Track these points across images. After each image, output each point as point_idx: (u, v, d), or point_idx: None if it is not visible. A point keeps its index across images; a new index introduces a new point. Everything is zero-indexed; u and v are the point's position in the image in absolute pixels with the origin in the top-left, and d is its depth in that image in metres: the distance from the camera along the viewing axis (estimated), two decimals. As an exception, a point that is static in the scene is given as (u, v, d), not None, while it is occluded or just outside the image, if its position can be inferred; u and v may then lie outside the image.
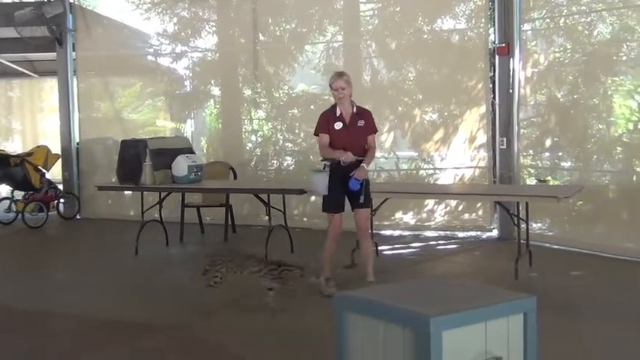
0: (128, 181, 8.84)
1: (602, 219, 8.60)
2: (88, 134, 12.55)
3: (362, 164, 6.57)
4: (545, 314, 3.66)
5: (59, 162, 12.27)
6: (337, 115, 6.71)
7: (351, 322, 3.48)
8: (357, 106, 6.79)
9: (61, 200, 12.17)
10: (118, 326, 5.99)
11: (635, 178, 8.49)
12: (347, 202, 6.80)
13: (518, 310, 3.35)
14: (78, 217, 12.26)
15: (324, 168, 6.68)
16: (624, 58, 8.58)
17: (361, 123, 6.71)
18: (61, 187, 12.28)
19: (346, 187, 6.60)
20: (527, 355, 3.36)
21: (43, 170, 11.77)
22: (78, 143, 12.54)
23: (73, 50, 12.37)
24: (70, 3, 12.24)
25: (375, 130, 6.86)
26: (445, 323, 3.10)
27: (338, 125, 6.68)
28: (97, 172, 12.20)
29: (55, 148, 12.46)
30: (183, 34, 11.91)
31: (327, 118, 6.74)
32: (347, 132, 6.67)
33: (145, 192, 9.18)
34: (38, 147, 12.20)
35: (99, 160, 12.42)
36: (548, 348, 4.02)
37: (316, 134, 6.86)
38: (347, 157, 6.53)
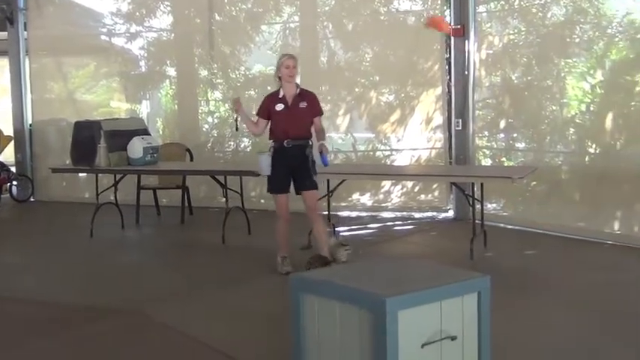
0: (82, 163, 8.72)
1: (555, 199, 8.74)
2: (40, 115, 12.33)
3: (322, 142, 6.66)
4: (499, 293, 3.72)
5: (11, 144, 12.05)
6: (280, 97, 6.76)
7: (308, 303, 3.50)
8: (301, 88, 6.82)
9: (14, 183, 11.97)
10: (70, 310, 5.92)
11: (587, 158, 8.64)
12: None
13: (472, 290, 3.41)
14: (31, 199, 12.09)
15: (269, 150, 6.75)
16: (577, 40, 8.69)
17: (303, 104, 6.74)
18: (13, 169, 12.08)
19: (290, 167, 6.67)
20: (481, 333, 3.42)
21: (-5, 152, 11.56)
22: (31, 125, 12.32)
23: (25, 30, 12.12)
24: (21, -19, 12.00)
25: (319, 112, 6.88)
26: (401, 303, 3.14)
27: (279, 107, 6.73)
28: (51, 154, 11.98)
29: (7, 130, 12.21)
30: (137, 13, 11.74)
31: (270, 101, 6.82)
32: (288, 113, 6.70)
33: (100, 174, 9.08)
34: (-11, 129, 11.97)
35: (52, 141, 12.21)
36: (502, 326, 4.09)
37: (257, 114, 6.95)
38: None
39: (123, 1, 11.74)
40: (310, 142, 6.78)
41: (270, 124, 6.80)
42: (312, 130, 6.82)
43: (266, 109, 6.81)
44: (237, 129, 7.61)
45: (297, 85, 6.81)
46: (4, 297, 6.38)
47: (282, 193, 6.76)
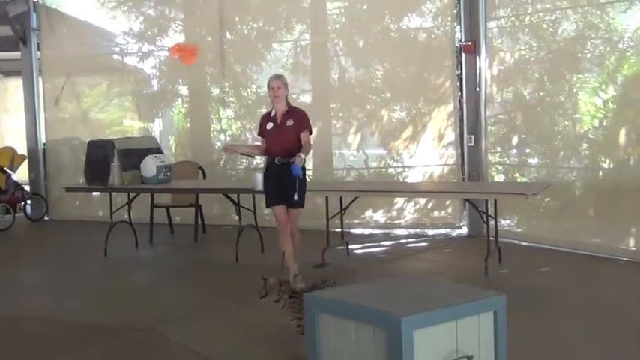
0: (96, 183, 8.77)
1: (570, 215, 8.69)
2: (54, 135, 12.41)
3: (298, 154, 6.73)
4: (515, 311, 3.70)
5: (25, 163, 12.11)
6: (272, 115, 7.01)
7: (323, 322, 3.49)
8: (291, 106, 7.03)
9: (28, 202, 12.03)
10: (86, 329, 5.94)
11: (600, 174, 8.61)
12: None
13: (488, 308, 3.38)
14: (45, 218, 12.13)
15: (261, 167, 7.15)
16: (589, 55, 8.68)
17: (289, 122, 6.90)
18: (27, 188, 12.13)
19: (281, 183, 6.82)
20: (497, 352, 3.39)
21: (10, 172, 11.60)
22: (44, 144, 12.40)
23: (38, 50, 12.22)
24: (34, 2, 12.11)
25: (305, 128, 6.96)
26: (416, 322, 3.12)
27: (269, 125, 6.99)
28: (64, 173, 12.06)
29: (22, 149, 12.29)
30: (149, 32, 11.83)
31: (263, 120, 7.11)
32: (277, 131, 6.93)
33: (114, 193, 9.12)
34: (4, 148, 12.02)
35: (66, 161, 12.28)
36: (518, 344, 4.06)
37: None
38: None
39: (135, 21, 11.83)
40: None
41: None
42: None
43: (260, 129, 7.13)
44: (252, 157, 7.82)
45: (288, 104, 7.01)
46: (20, 316, 6.41)
47: (277, 205, 6.96)
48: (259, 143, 7.24)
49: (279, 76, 7.04)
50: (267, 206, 7.16)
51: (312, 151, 10.82)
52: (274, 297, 4.98)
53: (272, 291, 4.99)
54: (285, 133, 6.89)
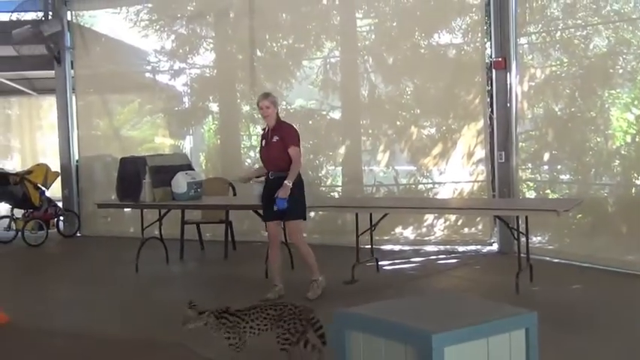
0: (127, 199, 8.85)
1: (602, 232, 8.60)
2: (87, 152, 12.57)
3: (284, 182, 6.90)
4: (546, 329, 3.66)
5: (59, 180, 12.26)
6: (265, 132, 7.26)
7: (353, 339, 3.48)
8: (278, 122, 7.20)
9: (61, 218, 12.17)
10: (117, 344, 5.98)
11: (633, 190, 8.51)
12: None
13: (519, 326, 3.36)
14: (78, 234, 12.26)
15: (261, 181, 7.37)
16: (620, 71, 8.62)
17: (275, 139, 7.09)
18: (60, 204, 12.28)
19: (272, 199, 6.97)
20: (529, 370, 3.36)
21: (43, 188, 11.77)
22: (77, 161, 12.55)
23: (72, 68, 12.41)
24: (68, 21, 12.30)
25: (290, 143, 7.07)
26: (447, 339, 3.11)
27: (263, 142, 7.28)
28: (97, 189, 12.20)
29: (55, 165, 12.47)
30: (181, 50, 11.96)
31: (261, 138, 7.38)
32: (266, 148, 7.18)
33: (145, 209, 9.19)
34: (37, 165, 12.21)
35: (98, 177, 12.42)
36: (550, 363, 4.02)
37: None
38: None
39: (167, 39, 11.98)
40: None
41: None
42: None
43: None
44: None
45: (277, 120, 7.18)
46: (53, 331, 6.46)
47: (269, 220, 7.21)
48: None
49: (266, 96, 7.22)
50: (262, 220, 7.44)
51: (341, 168, 10.95)
52: (199, 324, 4.95)
53: (192, 321, 4.95)
54: (272, 149, 7.10)
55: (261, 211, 8.55)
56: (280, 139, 7.06)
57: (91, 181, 12.47)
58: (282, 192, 6.88)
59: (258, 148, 7.50)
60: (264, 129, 7.36)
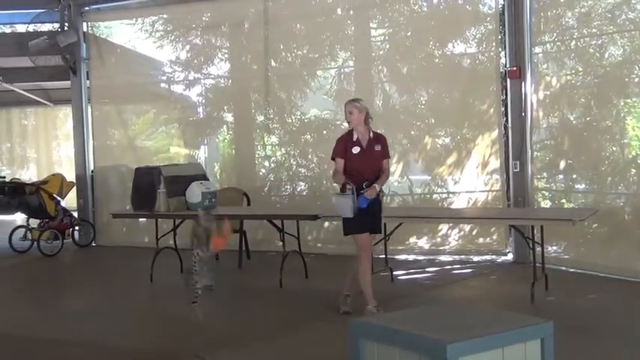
0: (142, 209, 8.88)
1: (618, 241, 8.54)
2: (102, 162, 12.61)
3: (374, 184, 6.68)
4: (562, 338, 3.64)
5: (74, 190, 12.32)
6: (354, 139, 6.84)
7: (367, 349, 3.47)
8: (372, 131, 6.94)
9: (76, 228, 12.21)
10: (130, 354, 5.99)
11: (650, 200, 8.46)
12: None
13: (535, 336, 3.34)
14: (93, 244, 12.29)
15: (350, 191, 6.60)
16: (636, 79, 8.59)
17: (378, 147, 6.88)
18: (76, 214, 12.33)
19: (368, 209, 6.64)
20: (545, 381, 3.33)
21: (58, 198, 11.82)
22: (92, 171, 12.59)
23: (87, 79, 12.46)
24: (84, 32, 12.37)
25: (388, 155, 7.08)
26: (462, 349, 3.09)
27: (356, 150, 6.81)
28: (112, 199, 12.23)
29: (70, 175, 12.54)
30: (195, 61, 12.01)
31: (345, 143, 6.88)
32: (364, 156, 6.80)
33: (160, 219, 9.21)
34: (53, 175, 12.28)
35: (113, 187, 12.45)
36: (567, 373, 3.99)
37: (333, 158, 6.95)
38: (370, 193, 6.63)
39: (182, 50, 12.03)
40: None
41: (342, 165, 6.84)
42: None
43: (343, 150, 6.84)
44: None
45: (369, 128, 6.91)
46: (72, 341, 6.47)
47: (364, 232, 6.77)
48: (339, 169, 6.82)
49: (352, 100, 6.95)
50: (351, 233, 6.79)
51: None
52: None
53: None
54: (372, 159, 6.84)
55: (275, 222, 8.60)
56: (382, 149, 6.92)
57: (106, 191, 12.50)
58: (371, 192, 6.60)
59: (339, 154, 6.82)
60: (349, 135, 6.88)
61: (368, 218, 6.72)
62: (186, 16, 11.97)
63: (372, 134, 6.91)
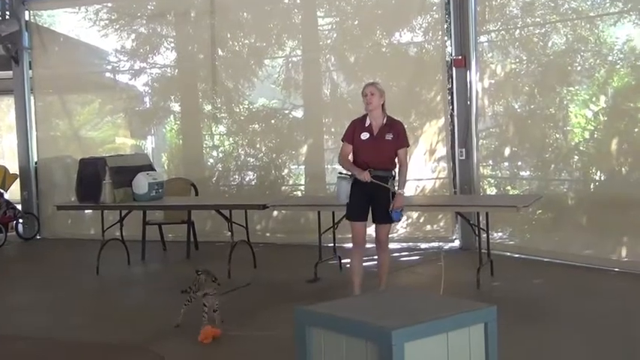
0: (88, 200, 8.75)
1: (562, 227, 8.71)
2: (46, 153, 12.37)
3: (399, 191, 6.32)
4: (506, 323, 3.70)
5: (17, 182, 12.09)
6: (366, 125, 6.44)
7: (314, 336, 3.47)
8: (388, 116, 6.49)
9: (20, 220, 11.99)
10: (78, 347, 5.90)
11: (592, 186, 8.65)
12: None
13: (479, 320, 3.38)
14: (37, 237, 12.08)
15: (350, 175, 6.42)
16: (579, 68, 8.74)
17: (389, 136, 6.38)
18: (19, 207, 12.10)
19: (367, 199, 6.38)
20: (488, 364, 3.38)
21: (1, 190, 11.60)
22: (36, 162, 12.36)
23: (30, 68, 12.22)
24: (26, 21, 12.11)
25: (406, 144, 6.52)
26: (407, 335, 3.12)
27: (365, 136, 6.41)
28: (56, 191, 12.02)
29: (13, 167, 12.28)
30: (141, 50, 11.86)
31: (355, 127, 6.50)
32: (373, 144, 6.37)
33: (105, 211, 9.10)
34: (-5, 167, 12.03)
35: (58, 179, 12.24)
36: (510, 357, 4.05)
37: (343, 140, 6.60)
38: (363, 177, 6.26)
39: (127, 39, 11.86)
40: (393, 174, 6.47)
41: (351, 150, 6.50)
42: (396, 160, 6.49)
43: (352, 134, 6.48)
44: None
45: (385, 114, 6.48)
46: (12, 335, 6.34)
47: (360, 220, 6.48)
48: (345, 154, 6.51)
49: (372, 83, 6.53)
50: (348, 219, 6.57)
51: (304, 166, 10.95)
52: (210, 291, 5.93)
53: (206, 287, 5.94)
54: (386, 147, 6.37)
55: (224, 212, 8.55)
56: (395, 138, 6.38)
57: (50, 182, 12.28)
58: (399, 202, 6.29)
59: (348, 137, 6.47)
60: (361, 119, 6.50)
61: (366, 207, 6.43)
62: (131, 5, 11.81)
63: (385, 120, 6.44)
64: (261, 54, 11.20)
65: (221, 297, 6.05)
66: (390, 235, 9.91)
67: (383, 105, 6.46)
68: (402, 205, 6.36)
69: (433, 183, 9.92)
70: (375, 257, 6.91)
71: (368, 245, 6.74)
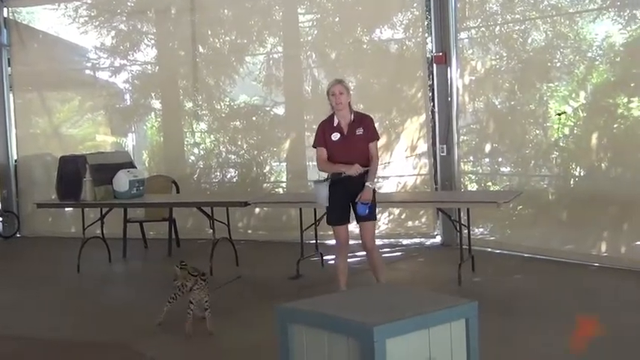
0: (68, 198, 8.70)
1: (542, 222, 8.77)
2: (25, 151, 12.28)
3: (366, 184, 6.16)
4: (487, 319, 3.72)
5: (-4, 180, 12.00)
6: (334, 125, 6.31)
7: (296, 333, 3.48)
8: (355, 112, 6.39)
9: (0, 219, 11.90)
10: (59, 346, 5.88)
11: (572, 181, 8.71)
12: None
13: (460, 316, 3.40)
14: (17, 235, 11.98)
15: (325, 179, 6.37)
16: (558, 64, 8.79)
17: (359, 131, 6.27)
18: (-1, 205, 12.02)
19: (349, 198, 6.24)
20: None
21: (-20, 189, 11.51)
22: (16, 160, 12.26)
23: (9, 65, 12.12)
24: (5, 18, 12.01)
25: (375, 137, 6.40)
26: (388, 331, 3.13)
27: (335, 136, 6.29)
28: (36, 189, 11.93)
29: (-8, 165, 12.19)
30: (121, 47, 11.77)
31: (324, 129, 6.36)
32: (345, 143, 6.26)
33: (86, 208, 9.04)
34: (-26, 165, 11.93)
35: (38, 177, 12.15)
36: (491, 352, 4.08)
37: (314, 146, 6.48)
38: (354, 170, 6.16)
39: (107, 36, 11.77)
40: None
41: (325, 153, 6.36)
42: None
43: (322, 138, 6.35)
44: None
45: (352, 110, 6.36)
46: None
47: (342, 224, 6.37)
48: (321, 158, 6.38)
49: (340, 81, 6.35)
50: (329, 223, 6.48)
51: (285, 163, 10.95)
52: (189, 283, 5.97)
53: (182, 279, 6.02)
54: (358, 143, 6.25)
55: (205, 209, 8.54)
56: (365, 132, 6.27)
57: (30, 180, 12.19)
58: (366, 195, 6.14)
59: (319, 142, 6.35)
60: (329, 120, 6.36)
61: (347, 209, 6.30)
62: (110, 1, 11.72)
63: (353, 117, 6.31)
64: (242, 51, 11.17)
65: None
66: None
67: (349, 103, 6.35)
68: (368, 199, 6.19)
69: (414, 179, 9.94)
70: (360, 254, 6.85)
71: (351, 242, 6.71)
